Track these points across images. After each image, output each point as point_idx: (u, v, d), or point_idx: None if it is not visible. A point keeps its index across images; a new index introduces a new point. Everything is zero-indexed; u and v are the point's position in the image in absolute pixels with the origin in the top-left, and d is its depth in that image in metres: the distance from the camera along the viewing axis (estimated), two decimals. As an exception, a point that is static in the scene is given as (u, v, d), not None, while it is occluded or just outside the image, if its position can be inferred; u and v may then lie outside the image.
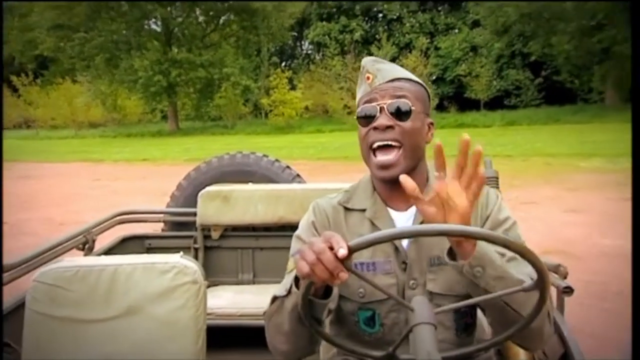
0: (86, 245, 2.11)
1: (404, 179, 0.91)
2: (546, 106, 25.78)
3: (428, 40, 30.02)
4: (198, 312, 1.26)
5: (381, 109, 1.08)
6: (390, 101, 1.08)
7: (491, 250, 0.90)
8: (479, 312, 1.20)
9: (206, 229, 2.53)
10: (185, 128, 28.13)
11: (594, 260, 4.34)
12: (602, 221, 5.48)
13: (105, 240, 2.38)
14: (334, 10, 34.12)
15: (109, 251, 2.30)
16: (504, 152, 11.88)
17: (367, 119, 1.10)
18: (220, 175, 2.82)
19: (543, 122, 20.67)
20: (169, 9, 26.75)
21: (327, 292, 0.94)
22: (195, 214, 2.50)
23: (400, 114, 1.08)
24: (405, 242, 1.10)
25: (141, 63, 24.90)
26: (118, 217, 2.46)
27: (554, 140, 13.94)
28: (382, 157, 1.08)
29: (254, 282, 2.55)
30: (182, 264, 1.28)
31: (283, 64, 32.39)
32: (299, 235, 1.16)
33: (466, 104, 28.16)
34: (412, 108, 1.08)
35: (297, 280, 0.94)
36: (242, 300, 2.25)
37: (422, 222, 1.07)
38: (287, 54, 36.93)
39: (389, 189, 1.13)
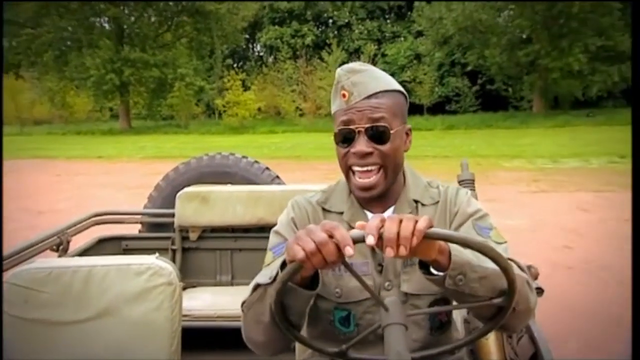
0: (60, 247, 2.05)
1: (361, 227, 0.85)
2: (482, 112, 27.59)
3: (376, 47, 31.58)
4: (173, 314, 1.25)
5: (359, 132, 1.06)
6: (367, 125, 1.05)
7: (465, 252, 0.86)
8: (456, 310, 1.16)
9: (184, 230, 2.49)
10: (137, 127, 28.05)
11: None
12: (510, 208, 6.71)
13: (80, 241, 2.33)
14: (286, 14, 35.06)
15: (84, 252, 2.25)
16: (443, 153, 13.19)
17: (345, 141, 1.08)
18: (198, 176, 2.78)
19: (478, 127, 22.34)
20: (122, 7, 26.76)
21: (311, 283, 0.92)
22: (173, 215, 2.45)
23: (378, 138, 1.05)
24: None
25: (93, 61, 24.60)
26: (94, 218, 2.40)
27: (486, 144, 15.43)
28: (361, 180, 1.07)
29: (232, 284, 2.52)
30: (158, 265, 1.26)
31: (236, 65, 32.93)
32: (277, 231, 1.13)
33: (411, 109, 29.45)
34: (392, 131, 1.06)
35: (283, 267, 0.90)
36: (220, 302, 2.22)
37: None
38: (239, 55, 37.41)
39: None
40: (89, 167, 12.97)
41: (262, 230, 2.40)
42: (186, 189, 2.48)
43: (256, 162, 2.89)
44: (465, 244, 0.79)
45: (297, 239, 0.82)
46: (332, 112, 1.13)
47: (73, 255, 2.07)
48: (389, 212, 1.11)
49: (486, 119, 24.08)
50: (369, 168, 1.06)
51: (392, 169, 1.09)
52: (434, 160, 11.56)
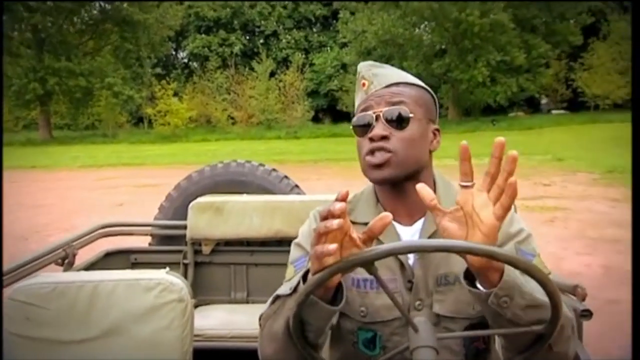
0: (66, 260, 1.98)
1: (421, 187, 0.82)
2: (404, 119, 30.64)
3: (303, 56, 33.46)
4: (184, 333, 1.20)
5: (377, 117, 1.00)
6: (386, 108, 1.00)
7: (518, 275, 0.79)
8: (495, 337, 1.07)
9: (197, 243, 2.38)
10: (60, 137, 27.61)
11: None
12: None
13: (87, 255, 2.25)
14: (212, 23, 35.97)
15: (90, 266, 2.17)
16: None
17: (362, 128, 1.02)
18: (212, 185, 2.68)
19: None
20: (45, 16, 26.42)
21: (334, 299, 0.84)
22: (185, 227, 2.36)
23: (397, 122, 1.00)
24: (411, 259, 1.00)
25: (14, 70, 24.16)
26: (101, 230, 2.32)
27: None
28: (370, 158, 1.00)
29: (247, 302, 2.40)
30: (168, 281, 1.20)
31: (165, 74, 33.29)
32: (299, 243, 1.07)
33: (338, 116, 32.08)
34: (411, 115, 1.00)
35: (304, 278, 0.85)
36: (234, 321, 2.11)
37: (430, 237, 0.99)
38: (164, 63, 37.66)
39: (392, 201, 1.04)
40: (29, 175, 13.13)
41: (280, 243, 2.30)
42: (199, 199, 2.38)
43: (274, 170, 2.76)
44: (511, 263, 0.72)
45: (314, 248, 0.76)
46: (355, 109, 1.09)
47: (79, 270, 2.00)
48: (418, 224, 1.03)
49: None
50: (384, 152, 0.99)
51: (405, 158, 1.00)
52: (357, 164, 13.32)
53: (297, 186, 2.78)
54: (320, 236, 0.75)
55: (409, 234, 1.04)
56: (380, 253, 0.73)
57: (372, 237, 0.80)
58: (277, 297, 0.95)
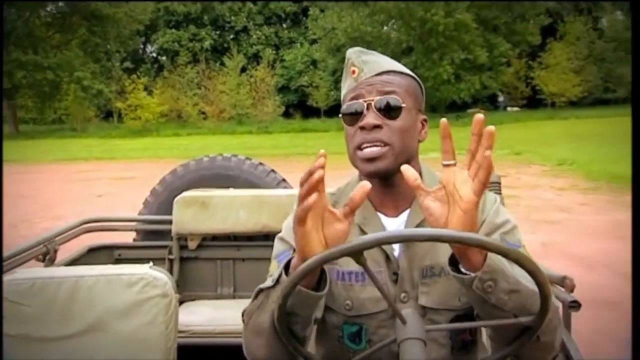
0: (47, 256, 1.93)
1: (405, 168, 0.83)
2: (373, 114, 31.51)
3: (273, 52, 33.86)
4: (168, 329, 1.17)
5: (368, 106, 0.98)
6: (378, 97, 0.98)
7: (501, 258, 0.78)
8: (482, 329, 1.07)
9: (182, 238, 2.36)
10: (27, 132, 27.30)
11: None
12: None
13: (69, 250, 2.20)
14: (182, 17, 35.89)
15: (73, 262, 2.12)
16: (337, 150, 15.75)
17: (353, 117, 1.00)
18: (198, 180, 2.62)
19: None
20: (12, 10, 25.99)
21: (317, 285, 0.84)
22: (170, 222, 2.33)
23: (389, 111, 0.98)
24: (396, 251, 0.99)
25: (-21, 63, 23.95)
26: (84, 225, 2.27)
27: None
28: (368, 150, 0.97)
29: (234, 297, 2.38)
30: (151, 276, 1.18)
31: (135, 68, 33.12)
32: (282, 237, 1.05)
33: (308, 112, 32.61)
34: (403, 105, 0.98)
35: (286, 268, 0.84)
36: (221, 317, 2.09)
37: (418, 226, 0.99)
38: (133, 57, 37.33)
39: (379, 192, 1.03)
40: (10, 169, 13.38)
41: (267, 238, 2.28)
42: (184, 194, 2.35)
43: (260, 164, 2.74)
44: (501, 252, 0.72)
45: (294, 226, 0.77)
46: (342, 96, 1.06)
47: (60, 266, 1.96)
48: (404, 216, 1.02)
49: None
50: (377, 143, 0.97)
51: (401, 150, 0.98)
52: (331, 156, 13.97)
53: (284, 180, 2.75)
54: (303, 198, 0.74)
55: (395, 225, 1.03)
56: (368, 242, 0.72)
57: (353, 209, 0.80)
58: (260, 290, 0.92)
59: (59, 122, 29.75)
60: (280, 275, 0.85)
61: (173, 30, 35.01)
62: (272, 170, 2.74)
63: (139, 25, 30.54)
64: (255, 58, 32.84)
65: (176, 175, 2.67)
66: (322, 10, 30.31)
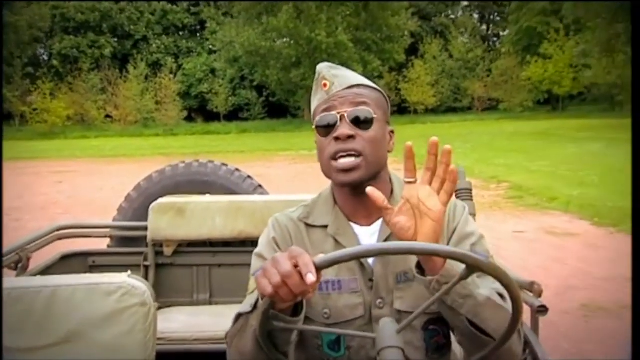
0: (19, 264, 1.88)
1: (371, 191, 0.89)
2: (268, 119, 34.68)
3: (173, 61, 35.84)
4: (147, 338, 1.15)
5: (341, 117, 1.02)
6: (350, 109, 1.03)
7: (461, 265, 0.82)
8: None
9: (158, 245, 2.31)
10: None
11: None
12: (283, 174, 12.42)
13: (41, 258, 2.13)
14: (79, 24, 36.26)
15: (46, 270, 2.07)
16: (239, 149, 18.69)
17: (327, 129, 1.04)
18: (174, 186, 2.59)
19: (265, 131, 28.86)
20: None
21: (296, 308, 0.88)
22: (145, 228, 2.28)
23: (361, 123, 1.02)
24: (371, 259, 1.04)
25: None
26: (57, 232, 2.21)
27: (269, 142, 21.49)
28: (343, 161, 1.01)
29: (210, 303, 2.34)
30: (130, 284, 1.15)
31: (37, 73, 32.99)
32: (259, 253, 1.08)
33: (209, 116, 35.25)
34: (374, 116, 1.03)
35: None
36: (198, 323, 2.07)
37: (388, 237, 1.03)
38: (32, 62, 36.91)
39: (352, 203, 1.07)
40: None
41: (243, 244, 2.28)
42: (160, 200, 2.31)
43: (237, 170, 2.73)
44: (474, 264, 0.77)
45: (264, 271, 0.79)
46: (312, 110, 1.09)
47: (34, 274, 1.93)
48: (376, 225, 1.06)
49: (271, 125, 30.87)
50: (351, 152, 1.01)
51: (374, 160, 1.03)
52: (232, 155, 16.91)
53: (260, 186, 2.73)
54: (287, 268, 0.77)
55: (368, 234, 1.06)
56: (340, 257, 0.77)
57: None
58: (240, 315, 0.95)
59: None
60: (257, 301, 0.88)
61: (71, 36, 35.33)
62: (249, 177, 2.74)
63: (38, 32, 30.85)
64: (157, 66, 34.59)
65: (151, 182, 2.65)
66: (218, 24, 33.06)
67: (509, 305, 0.85)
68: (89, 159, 16.35)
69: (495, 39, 40.67)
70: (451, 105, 35.96)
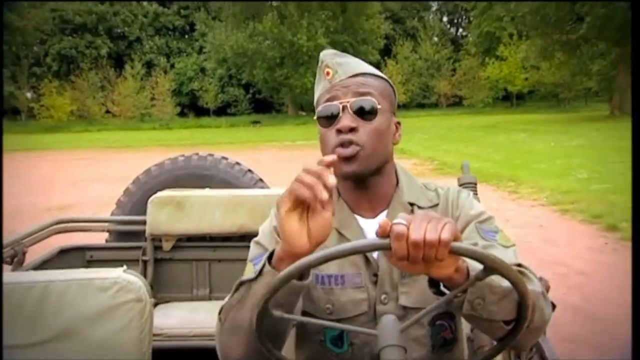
0: (15, 259, 1.83)
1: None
2: (255, 114, 37.21)
3: (166, 60, 38.00)
4: (143, 334, 1.11)
5: (344, 108, 0.96)
6: (353, 99, 0.96)
7: (477, 266, 0.74)
8: (464, 325, 1.04)
9: (157, 239, 2.25)
10: None
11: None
12: (266, 166, 14.64)
13: (41, 252, 2.10)
14: (77, 26, 38.08)
15: (42, 265, 2.02)
16: (229, 141, 21.02)
17: (328, 119, 0.98)
18: (173, 179, 2.54)
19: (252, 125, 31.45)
20: None
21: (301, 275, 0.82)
22: (144, 223, 2.23)
23: (365, 114, 0.96)
24: (376, 253, 0.97)
25: None
26: (55, 226, 2.17)
27: (256, 135, 23.99)
28: (343, 150, 0.95)
29: (210, 298, 2.28)
30: (125, 280, 1.11)
31: (44, 73, 34.71)
32: (258, 241, 1.02)
33: (200, 111, 37.57)
34: (378, 107, 0.97)
35: (269, 259, 0.83)
36: (196, 319, 2.02)
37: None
38: (36, 62, 38.60)
39: (355, 194, 1.03)
40: None
41: (243, 238, 2.19)
42: (159, 194, 2.25)
43: (237, 163, 2.67)
44: (494, 266, 0.70)
45: (300, 178, 0.77)
46: (315, 99, 1.04)
47: (29, 269, 1.88)
48: (381, 216, 1.01)
49: (257, 119, 33.43)
50: (353, 145, 0.95)
51: (374, 152, 0.96)
52: (225, 145, 16.96)
53: (261, 180, 2.68)
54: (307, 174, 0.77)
55: (372, 226, 0.98)
56: (320, 258, 0.73)
57: (330, 190, 0.78)
58: (241, 283, 0.89)
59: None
60: (263, 267, 0.84)
61: (70, 37, 37.12)
62: (249, 170, 2.68)
63: (42, 35, 32.77)
64: (150, 65, 36.74)
65: (150, 175, 2.60)
66: (207, 27, 35.32)
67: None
68: (97, 149, 18.52)
69: (462, 41, 43.55)
70: (420, 102, 38.94)
